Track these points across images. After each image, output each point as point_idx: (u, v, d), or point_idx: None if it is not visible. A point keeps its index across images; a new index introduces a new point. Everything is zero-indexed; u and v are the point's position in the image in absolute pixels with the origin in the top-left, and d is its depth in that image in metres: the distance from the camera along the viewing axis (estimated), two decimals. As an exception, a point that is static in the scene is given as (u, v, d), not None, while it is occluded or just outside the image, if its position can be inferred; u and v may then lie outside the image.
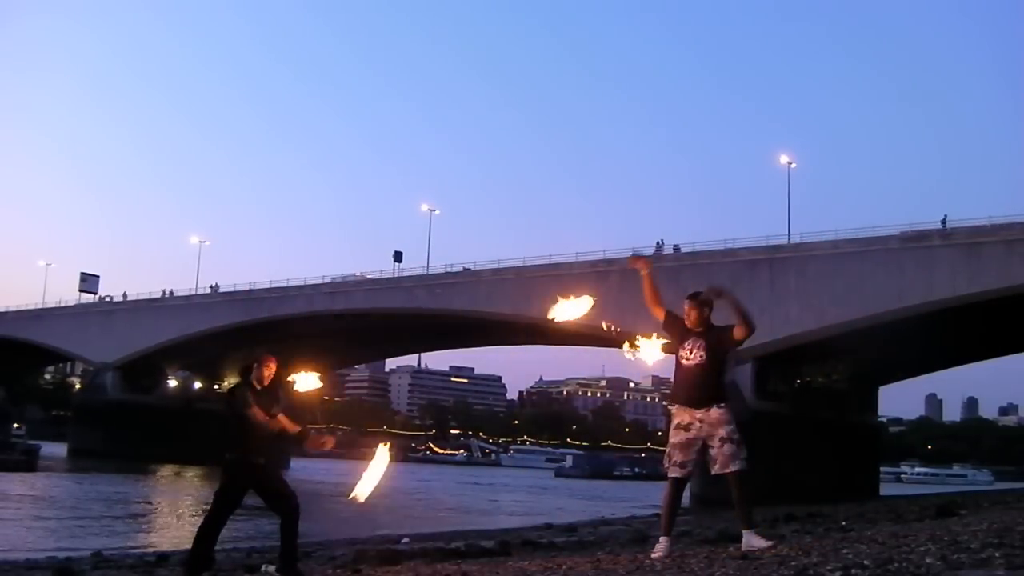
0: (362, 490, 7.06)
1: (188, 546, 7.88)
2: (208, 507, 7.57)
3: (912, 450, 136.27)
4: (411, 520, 26.57)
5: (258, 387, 7.37)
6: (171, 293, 72.68)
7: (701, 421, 6.63)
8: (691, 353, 6.72)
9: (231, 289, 69.89)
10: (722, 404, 6.71)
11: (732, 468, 6.56)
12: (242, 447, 7.27)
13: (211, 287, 72.26)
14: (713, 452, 6.62)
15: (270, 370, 7.46)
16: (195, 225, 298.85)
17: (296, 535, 7.45)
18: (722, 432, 6.61)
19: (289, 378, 7.51)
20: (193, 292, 72.69)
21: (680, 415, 6.71)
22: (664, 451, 6.90)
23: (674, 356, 6.86)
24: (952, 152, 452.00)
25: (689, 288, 7.42)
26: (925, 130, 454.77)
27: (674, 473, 6.71)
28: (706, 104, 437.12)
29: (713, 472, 6.64)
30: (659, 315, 6.94)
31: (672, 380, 6.94)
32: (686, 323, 6.82)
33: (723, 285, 6.98)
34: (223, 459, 7.35)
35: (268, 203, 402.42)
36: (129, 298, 75.45)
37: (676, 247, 51.26)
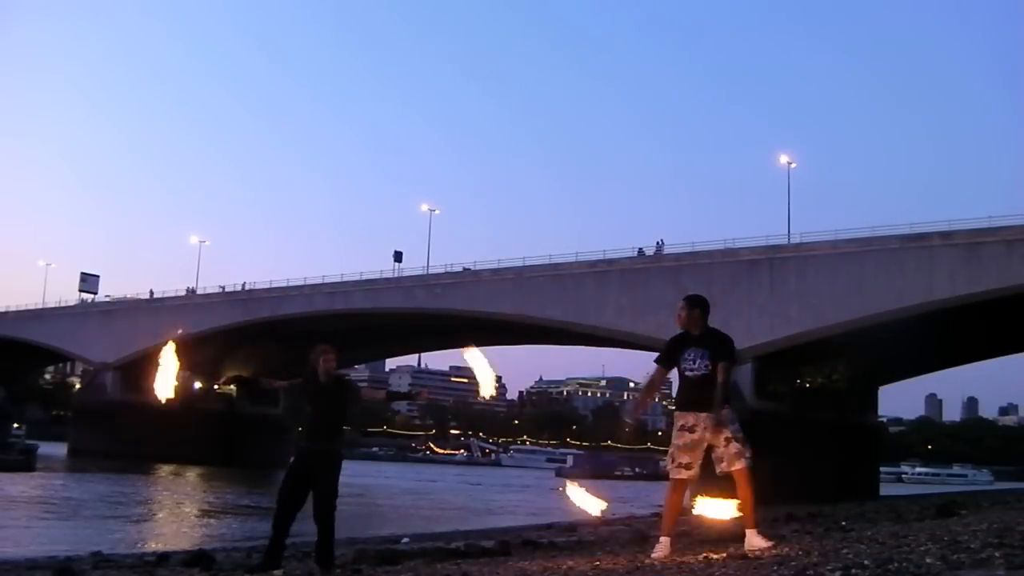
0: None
1: (188, 546, 7.92)
2: (279, 494, 7.66)
3: (912, 450, 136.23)
4: (412, 520, 26.60)
5: (322, 379, 7.59)
6: (193, 291, 72.57)
7: (707, 422, 6.66)
8: (695, 363, 6.75)
9: (231, 289, 69.88)
10: (726, 404, 6.76)
11: (739, 465, 6.61)
12: (316, 434, 7.48)
13: (220, 287, 71.91)
14: (719, 451, 6.66)
15: (328, 362, 7.65)
16: (195, 225, 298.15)
17: (331, 531, 7.60)
18: (727, 432, 6.66)
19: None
20: (184, 291, 72.85)
21: (684, 417, 6.75)
22: (667, 452, 6.91)
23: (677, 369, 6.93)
24: (952, 152, 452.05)
25: (689, 288, 7.50)
26: (925, 130, 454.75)
27: (680, 475, 6.74)
28: (706, 104, 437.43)
29: (719, 471, 6.69)
30: (662, 374, 7.07)
31: (678, 388, 6.99)
32: (679, 326, 6.91)
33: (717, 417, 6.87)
34: (295, 445, 7.57)
35: (267, 203, 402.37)
36: (134, 297, 75.56)
37: (660, 242, 51.02)
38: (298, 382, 7.79)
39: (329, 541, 7.62)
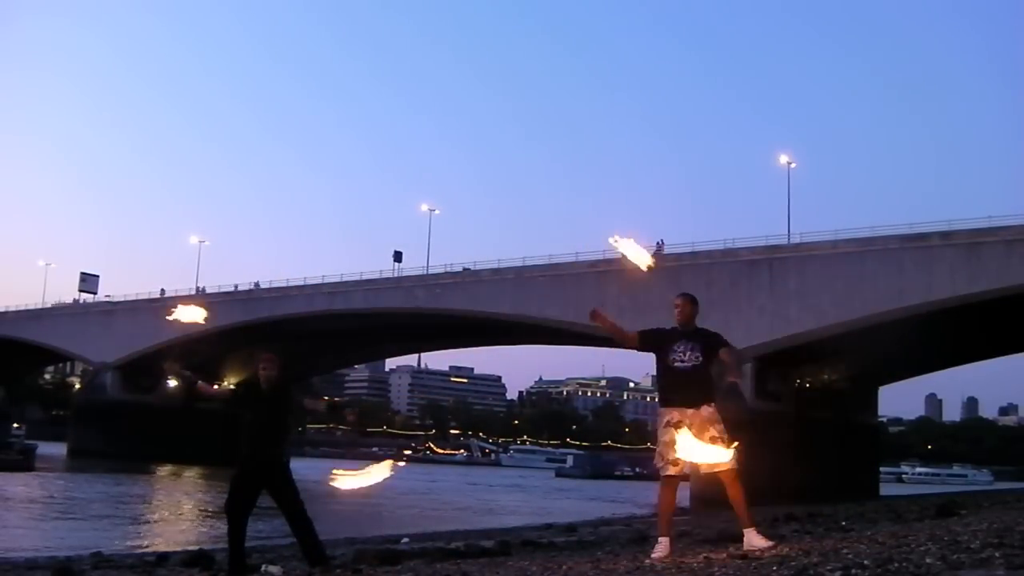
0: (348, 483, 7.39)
1: (188, 546, 7.95)
2: (225, 505, 7.68)
3: (912, 450, 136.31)
4: (412, 520, 26.56)
5: (263, 386, 7.58)
6: (203, 290, 72.41)
7: (692, 419, 6.66)
8: (685, 355, 6.75)
9: (231, 289, 69.81)
10: (712, 403, 6.76)
11: (725, 467, 6.60)
12: (258, 442, 7.46)
13: (233, 285, 71.64)
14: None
15: (269, 370, 7.60)
16: (195, 225, 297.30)
17: (313, 528, 7.58)
18: (713, 431, 6.64)
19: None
20: (193, 292, 72.67)
21: (670, 413, 6.75)
22: (655, 450, 6.90)
23: (659, 360, 6.87)
24: (952, 152, 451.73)
25: (689, 289, 7.53)
26: (925, 130, 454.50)
27: (671, 471, 6.73)
28: (706, 104, 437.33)
29: (703, 471, 6.68)
30: (634, 340, 6.97)
31: (660, 383, 6.93)
32: (677, 319, 6.92)
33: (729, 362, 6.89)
34: (239, 454, 7.54)
35: (268, 203, 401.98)
36: (136, 297, 75.43)
37: (660, 242, 51.18)
38: (230, 391, 7.81)
39: (316, 540, 7.62)
